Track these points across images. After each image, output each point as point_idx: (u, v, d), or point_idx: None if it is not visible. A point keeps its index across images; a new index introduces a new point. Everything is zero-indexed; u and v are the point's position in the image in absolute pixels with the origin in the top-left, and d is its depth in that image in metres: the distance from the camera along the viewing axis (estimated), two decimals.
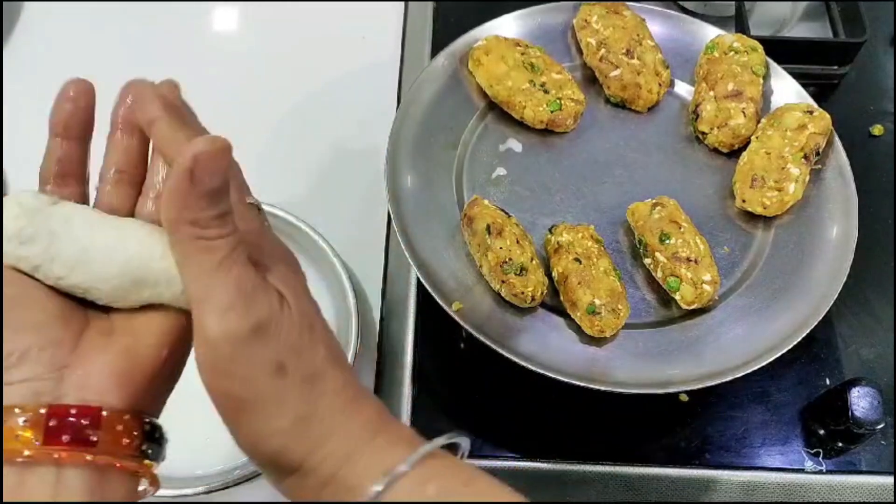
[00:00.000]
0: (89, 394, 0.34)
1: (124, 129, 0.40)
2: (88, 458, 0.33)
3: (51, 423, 0.33)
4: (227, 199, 0.35)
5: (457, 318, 0.60)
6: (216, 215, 0.34)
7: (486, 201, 0.64)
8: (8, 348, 0.34)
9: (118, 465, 0.34)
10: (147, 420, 0.36)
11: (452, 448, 0.39)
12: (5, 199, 0.37)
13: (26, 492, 0.32)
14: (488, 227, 0.62)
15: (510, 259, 0.61)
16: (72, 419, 0.33)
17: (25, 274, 0.37)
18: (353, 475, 0.35)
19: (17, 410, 0.33)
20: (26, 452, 0.32)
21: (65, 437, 0.33)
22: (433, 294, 0.61)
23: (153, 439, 0.36)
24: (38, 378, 0.34)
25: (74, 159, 0.40)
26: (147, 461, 0.36)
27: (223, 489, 0.60)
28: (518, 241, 0.62)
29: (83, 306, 0.38)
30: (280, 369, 0.35)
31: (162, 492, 0.59)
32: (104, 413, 0.34)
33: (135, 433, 0.35)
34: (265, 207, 0.73)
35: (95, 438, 0.33)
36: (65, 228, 0.37)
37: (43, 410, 0.33)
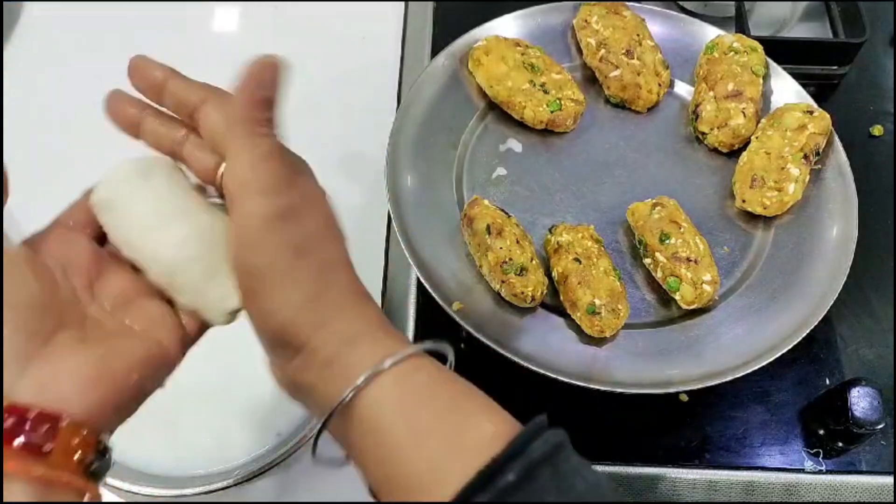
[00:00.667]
0: (50, 394, 0.34)
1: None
2: (38, 472, 0.32)
3: (7, 422, 0.32)
4: (274, 109, 0.41)
5: (457, 318, 0.60)
6: (267, 118, 0.40)
7: (486, 201, 0.64)
8: None
9: (65, 480, 0.33)
10: (100, 439, 0.35)
11: (438, 358, 0.41)
12: (119, 165, 0.43)
13: None
14: (488, 227, 0.62)
15: (510, 259, 0.61)
16: (29, 422, 0.32)
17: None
18: (354, 358, 0.38)
19: None
20: None
21: (18, 441, 0.32)
22: (433, 294, 0.61)
23: (102, 459, 0.35)
24: None
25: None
26: (91, 480, 0.35)
27: (223, 489, 0.60)
28: (518, 241, 0.62)
29: (72, 304, 0.38)
30: (300, 251, 0.38)
31: (162, 492, 0.60)
32: (63, 423, 0.33)
33: (87, 450, 0.34)
34: None
35: (48, 449, 0.32)
36: (139, 206, 0.42)
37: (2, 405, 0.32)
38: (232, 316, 0.43)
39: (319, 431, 0.38)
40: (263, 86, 0.40)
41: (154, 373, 0.39)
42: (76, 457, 0.33)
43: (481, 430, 0.36)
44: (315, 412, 0.40)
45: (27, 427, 0.32)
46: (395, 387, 0.37)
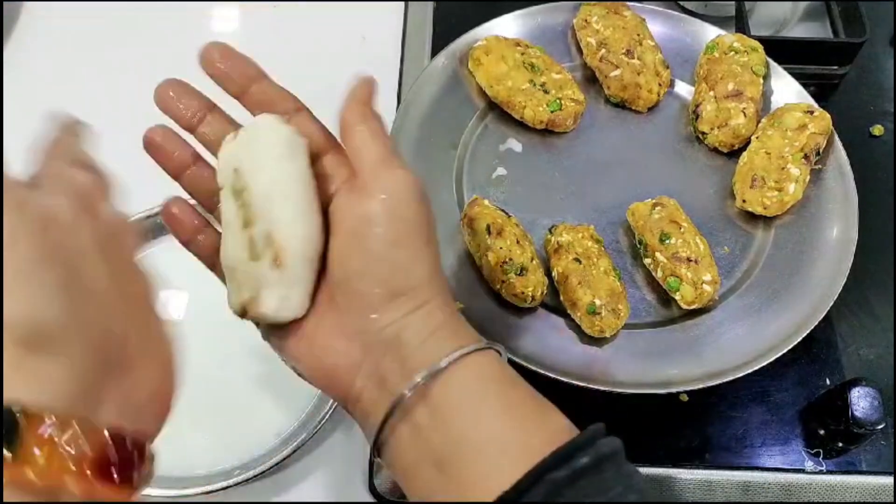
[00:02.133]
0: (126, 421, 0.31)
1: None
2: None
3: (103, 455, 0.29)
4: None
5: None
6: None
7: (486, 201, 0.64)
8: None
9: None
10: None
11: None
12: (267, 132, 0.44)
13: None
14: (488, 228, 0.62)
15: (510, 259, 0.61)
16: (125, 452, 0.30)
17: None
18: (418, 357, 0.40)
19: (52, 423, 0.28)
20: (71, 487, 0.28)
21: (114, 473, 0.29)
22: None
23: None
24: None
25: None
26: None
27: (223, 489, 0.60)
28: (518, 242, 0.62)
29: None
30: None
31: (162, 492, 0.60)
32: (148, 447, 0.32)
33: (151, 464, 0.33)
34: None
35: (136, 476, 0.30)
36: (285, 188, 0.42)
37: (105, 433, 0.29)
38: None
39: (421, 380, 0.39)
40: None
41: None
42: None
43: (559, 421, 0.39)
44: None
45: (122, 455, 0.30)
46: (490, 365, 0.41)
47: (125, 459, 0.29)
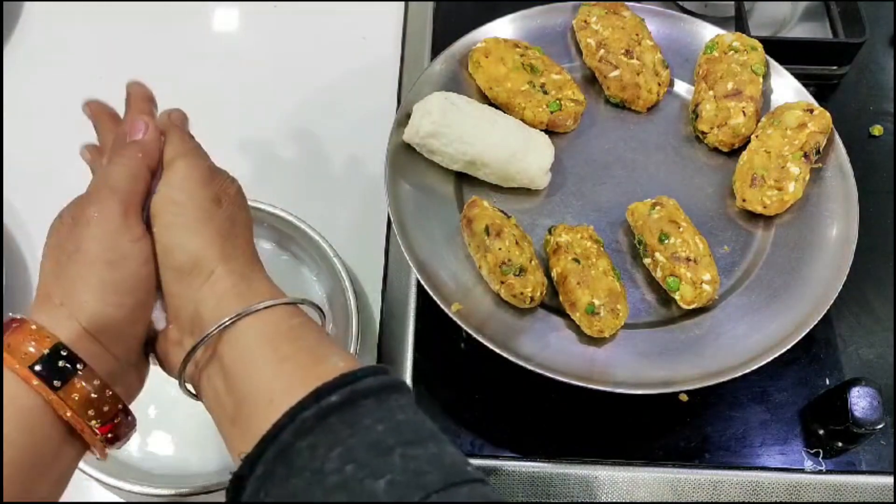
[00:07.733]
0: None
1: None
2: None
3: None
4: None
5: (456, 319, 0.60)
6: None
7: (485, 202, 0.64)
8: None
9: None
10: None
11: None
12: (418, 105, 0.65)
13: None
14: (487, 228, 0.62)
15: (509, 260, 0.61)
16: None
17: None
18: (252, 290, 0.44)
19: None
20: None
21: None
22: (433, 295, 0.61)
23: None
24: None
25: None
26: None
27: (222, 489, 0.60)
28: (517, 242, 0.62)
29: None
30: (217, 201, 0.46)
31: (161, 491, 0.60)
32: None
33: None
34: (265, 207, 0.73)
35: None
36: (461, 117, 0.64)
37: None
38: (548, 174, 0.67)
39: (200, 343, 0.43)
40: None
41: None
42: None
43: (334, 365, 0.41)
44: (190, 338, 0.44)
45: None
46: (274, 322, 0.43)
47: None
